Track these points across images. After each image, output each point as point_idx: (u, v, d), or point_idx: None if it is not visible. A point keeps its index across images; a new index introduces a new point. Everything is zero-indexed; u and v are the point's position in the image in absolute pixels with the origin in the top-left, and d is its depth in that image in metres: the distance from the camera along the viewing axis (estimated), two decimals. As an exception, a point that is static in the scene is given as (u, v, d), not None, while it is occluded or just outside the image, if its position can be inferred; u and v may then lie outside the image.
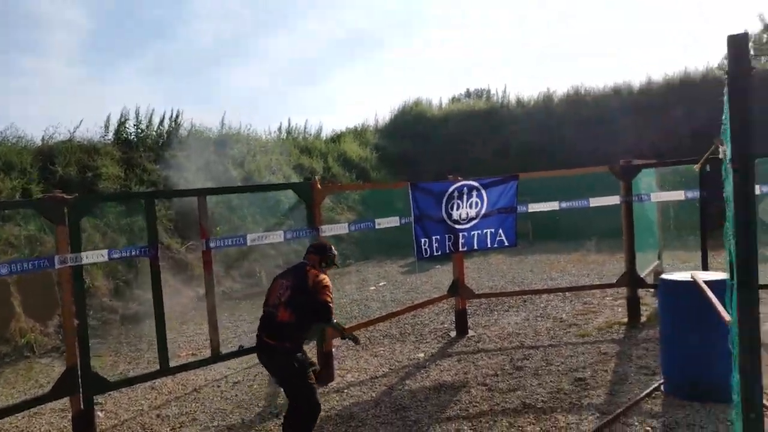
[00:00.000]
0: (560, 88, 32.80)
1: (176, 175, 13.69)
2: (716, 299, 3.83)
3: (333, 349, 6.90)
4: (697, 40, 46.24)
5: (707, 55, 40.38)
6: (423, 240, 6.92)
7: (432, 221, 7.04)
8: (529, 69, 50.43)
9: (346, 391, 5.94)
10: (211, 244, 5.45)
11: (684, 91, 19.48)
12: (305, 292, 4.28)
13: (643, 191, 8.31)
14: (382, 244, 15.38)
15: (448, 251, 7.31)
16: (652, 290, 8.57)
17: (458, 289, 7.86)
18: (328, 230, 6.23)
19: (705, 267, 7.15)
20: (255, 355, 7.10)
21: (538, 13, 59.70)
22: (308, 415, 4.33)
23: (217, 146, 15.87)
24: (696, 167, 4.37)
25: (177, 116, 15.63)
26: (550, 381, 5.70)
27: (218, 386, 6.42)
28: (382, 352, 7.31)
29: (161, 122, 15.27)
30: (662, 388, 5.18)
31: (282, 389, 4.70)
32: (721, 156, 3.65)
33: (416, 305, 8.12)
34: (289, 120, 35.48)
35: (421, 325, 8.49)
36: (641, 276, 7.84)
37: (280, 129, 19.94)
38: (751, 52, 25.14)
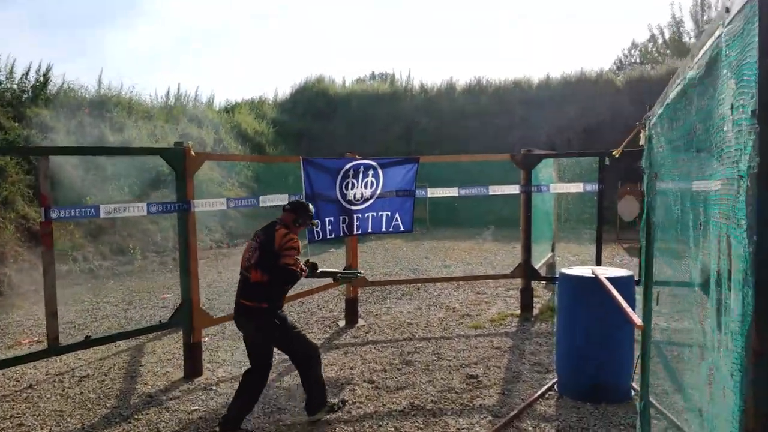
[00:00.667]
0: (463, 77, 33.18)
1: (40, 136, 12.10)
2: (624, 301, 3.52)
3: (205, 339, 6.15)
4: (593, 43, 48.53)
5: (600, 60, 42.44)
6: (315, 221, 6.30)
7: (325, 201, 6.44)
8: (433, 56, 50.61)
9: (214, 388, 5.22)
10: (53, 215, 4.51)
11: (579, 90, 20.07)
12: (273, 252, 4.22)
13: (543, 182, 8.16)
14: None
15: (341, 234, 6.76)
16: (544, 282, 8.48)
17: (349, 275, 7.31)
18: (201, 205, 5.43)
19: (599, 261, 7.06)
20: (108, 346, 6.23)
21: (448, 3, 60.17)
22: (308, 365, 4.35)
23: (92, 108, 14.27)
24: (615, 153, 4.08)
25: (47, 71, 13.89)
26: (441, 378, 5.29)
27: (61, 381, 5.44)
28: (261, 342, 6.62)
29: (25, 75, 13.48)
30: (555, 387, 4.92)
31: (249, 353, 4.38)
32: (642, 142, 3.32)
33: (304, 292, 7.44)
34: (178, 86, 33.32)
35: (308, 314, 7.88)
36: (535, 268, 7.67)
37: (167, 95, 18.40)
38: (637, 60, 26.47)
